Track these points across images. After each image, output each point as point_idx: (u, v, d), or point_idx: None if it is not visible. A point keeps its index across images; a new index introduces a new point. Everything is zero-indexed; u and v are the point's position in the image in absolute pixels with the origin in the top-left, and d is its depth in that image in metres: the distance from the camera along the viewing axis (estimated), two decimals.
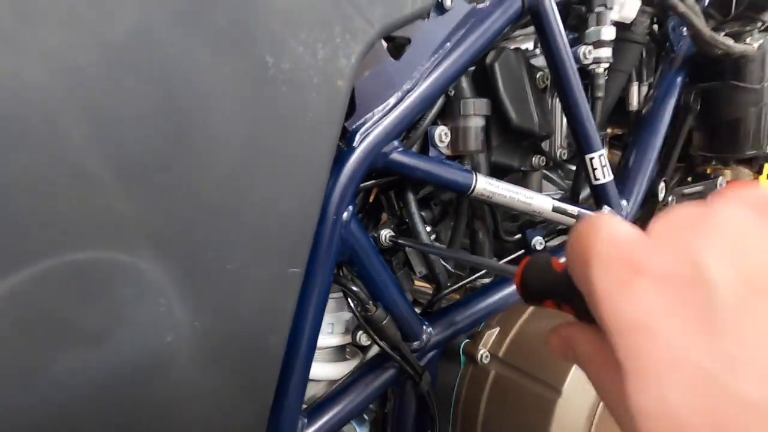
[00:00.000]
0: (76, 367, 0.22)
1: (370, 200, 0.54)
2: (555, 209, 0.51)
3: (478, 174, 0.48)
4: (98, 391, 0.23)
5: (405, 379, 0.49)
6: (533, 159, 0.61)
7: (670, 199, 0.73)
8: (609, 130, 0.84)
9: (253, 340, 0.30)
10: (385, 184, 0.50)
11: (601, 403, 0.46)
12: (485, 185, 0.47)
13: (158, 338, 0.25)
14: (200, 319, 0.27)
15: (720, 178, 0.76)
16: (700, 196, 0.76)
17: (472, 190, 0.47)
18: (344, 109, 0.33)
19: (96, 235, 0.23)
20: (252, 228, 0.29)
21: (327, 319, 0.50)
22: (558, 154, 0.64)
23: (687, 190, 0.76)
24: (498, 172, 0.56)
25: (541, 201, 0.50)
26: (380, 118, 0.42)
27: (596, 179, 0.54)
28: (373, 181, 0.48)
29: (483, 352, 0.52)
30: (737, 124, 0.66)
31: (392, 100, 0.43)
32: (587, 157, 0.54)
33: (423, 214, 0.53)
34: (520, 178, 0.63)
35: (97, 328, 0.23)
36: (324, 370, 0.50)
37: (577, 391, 0.45)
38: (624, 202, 0.57)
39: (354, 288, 0.44)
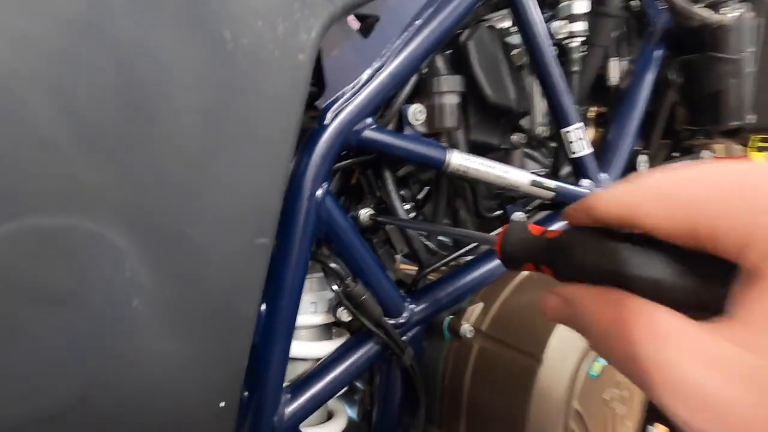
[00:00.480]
0: (42, 329, 0.23)
1: (353, 181, 0.55)
2: (532, 183, 0.52)
3: (453, 150, 0.48)
4: (63, 353, 0.24)
5: (389, 354, 0.50)
6: (513, 137, 0.62)
7: None
8: (593, 109, 0.85)
9: (222, 309, 0.31)
10: (364, 164, 0.51)
11: (581, 369, 0.47)
12: (460, 160, 0.48)
13: (124, 302, 0.25)
14: (166, 285, 0.28)
15: (703, 151, 0.76)
16: None
17: (447, 166, 0.47)
18: (307, 82, 0.34)
19: (61, 203, 0.24)
20: (215, 198, 0.30)
21: (309, 298, 0.51)
22: (538, 131, 0.64)
23: (672, 165, 0.76)
24: (478, 150, 0.57)
25: (517, 175, 0.51)
26: (351, 96, 0.43)
27: (573, 152, 0.54)
28: (349, 160, 0.48)
29: (467, 327, 0.53)
30: (718, 96, 0.66)
31: (363, 78, 0.43)
32: (563, 130, 0.54)
33: (403, 192, 0.54)
34: (502, 157, 0.63)
35: (62, 291, 0.23)
36: (309, 349, 0.51)
37: (556, 358, 0.46)
38: (604, 176, 0.58)
39: (332, 264, 0.45)
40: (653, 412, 0.67)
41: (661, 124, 0.69)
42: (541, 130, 0.65)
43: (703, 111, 0.70)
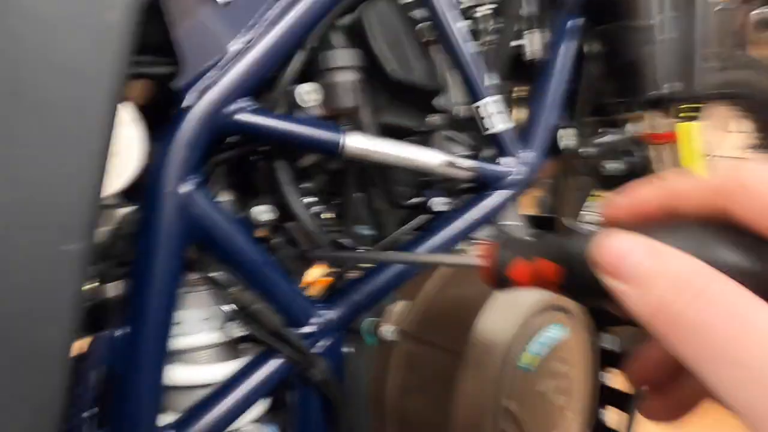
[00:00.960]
0: None
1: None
2: (446, 164, 0.47)
3: (350, 132, 0.43)
4: None
5: (299, 369, 0.44)
6: (431, 118, 0.57)
7: (583, 150, 0.71)
8: (523, 89, 0.82)
9: (20, 330, 0.24)
10: (256, 154, 0.44)
11: (508, 362, 0.42)
12: (356, 142, 0.43)
13: None
14: None
15: (627, 125, 0.75)
16: (613, 146, 0.75)
17: (342, 149, 0.42)
18: (122, 50, 0.27)
19: None
20: None
21: (199, 314, 0.44)
22: (456, 111, 0.60)
23: (600, 140, 0.74)
24: (393, 135, 0.52)
25: (427, 156, 0.46)
26: (217, 75, 0.37)
27: (487, 128, 0.50)
28: (232, 151, 0.42)
29: (387, 328, 0.48)
30: (635, 66, 0.65)
31: (229, 53, 0.37)
32: (475, 105, 0.50)
33: (308, 185, 0.48)
34: (422, 141, 0.59)
35: None
36: (206, 374, 0.44)
37: (479, 352, 0.41)
38: (525, 153, 0.54)
39: (212, 273, 0.38)
40: (605, 395, 0.64)
41: (583, 97, 0.67)
42: (459, 110, 0.60)
43: (624, 82, 0.68)
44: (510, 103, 0.66)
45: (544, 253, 0.24)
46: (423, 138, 0.59)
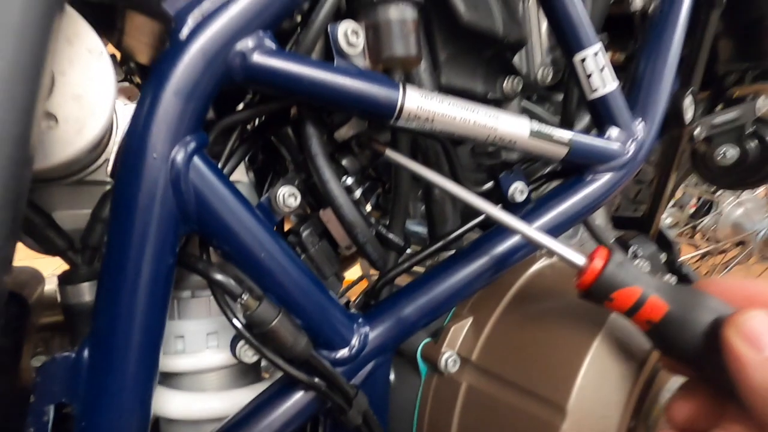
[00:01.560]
0: None
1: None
2: (534, 134, 0.34)
3: (410, 86, 0.31)
4: None
5: (332, 406, 0.32)
6: (504, 82, 0.44)
7: (697, 131, 0.55)
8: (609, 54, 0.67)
9: None
10: (276, 117, 0.34)
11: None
12: (420, 101, 0.31)
13: None
14: None
15: (761, 98, 0.58)
16: (735, 123, 0.59)
17: (400, 111, 0.30)
18: None
19: None
20: None
21: (206, 326, 0.33)
22: (539, 74, 0.47)
23: (718, 119, 0.59)
24: None
25: (511, 123, 0.33)
26: None
27: (593, 90, 0.37)
28: (248, 111, 0.31)
29: (449, 356, 0.36)
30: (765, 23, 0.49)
31: None
32: (577, 58, 0.37)
33: (345, 162, 0.36)
34: None
35: None
36: (214, 405, 0.34)
37: (587, 408, 0.28)
38: (639, 123, 0.40)
39: (217, 275, 0.28)
40: None
41: (702, 58, 0.51)
42: (544, 73, 0.47)
43: (757, 41, 0.53)
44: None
45: (662, 292, 0.27)
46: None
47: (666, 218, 1.41)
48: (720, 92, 0.62)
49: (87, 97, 0.22)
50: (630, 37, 0.57)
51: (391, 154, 0.34)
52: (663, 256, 0.65)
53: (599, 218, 0.63)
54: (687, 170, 0.81)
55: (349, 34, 0.31)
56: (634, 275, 0.28)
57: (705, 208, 1.46)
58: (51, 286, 0.41)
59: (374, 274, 0.63)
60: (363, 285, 0.68)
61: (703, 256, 1.49)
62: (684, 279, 0.70)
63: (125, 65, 0.58)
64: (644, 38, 0.47)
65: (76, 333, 0.27)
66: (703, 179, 0.70)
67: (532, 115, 0.53)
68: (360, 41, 0.32)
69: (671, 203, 1.41)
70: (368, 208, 0.39)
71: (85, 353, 0.25)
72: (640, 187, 1.06)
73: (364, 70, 0.31)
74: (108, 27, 0.31)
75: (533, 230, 0.31)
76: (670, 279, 0.55)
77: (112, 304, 0.25)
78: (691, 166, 0.69)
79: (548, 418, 0.28)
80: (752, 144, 0.60)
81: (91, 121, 0.23)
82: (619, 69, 0.69)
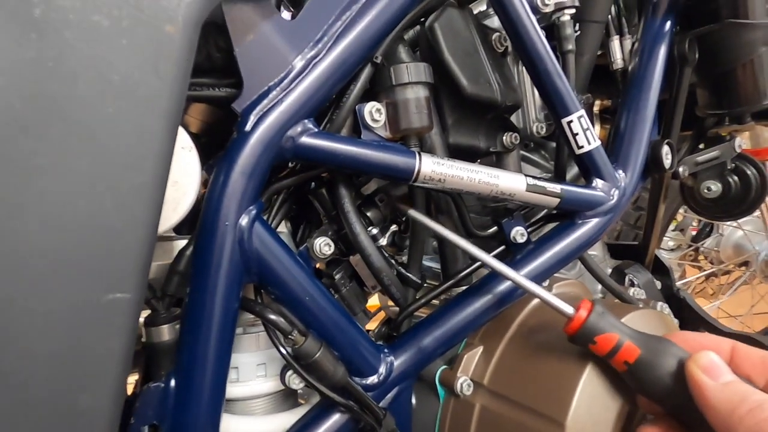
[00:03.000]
0: None
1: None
2: (531, 188, 0.41)
3: (424, 154, 0.38)
4: None
5: (362, 427, 0.38)
6: (504, 137, 0.51)
7: (681, 169, 0.61)
8: (596, 103, 0.74)
9: (49, 400, 0.20)
10: (315, 181, 0.40)
11: None
12: (433, 166, 0.37)
13: None
14: None
15: (737, 139, 0.64)
16: (717, 162, 0.65)
17: (417, 174, 0.37)
18: (182, 66, 0.24)
19: None
20: (30, 239, 0.20)
21: (256, 358, 0.39)
22: (533, 129, 0.54)
23: (701, 158, 0.65)
24: (463, 157, 0.46)
25: (510, 180, 0.40)
26: (280, 95, 0.33)
27: (579, 147, 0.43)
28: (292, 178, 0.38)
29: (463, 381, 0.41)
30: (745, 70, 0.55)
31: (294, 71, 0.34)
32: (564, 121, 0.43)
33: (370, 214, 0.43)
34: (494, 164, 0.53)
35: None
36: (260, 427, 0.39)
37: (582, 423, 0.34)
38: (620, 173, 0.47)
39: (271, 315, 0.34)
40: None
41: (680, 110, 0.58)
42: (538, 127, 0.54)
43: (729, 90, 0.59)
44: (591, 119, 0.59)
45: (635, 339, 0.33)
46: (496, 160, 0.53)
47: (668, 242, 1.45)
48: (701, 132, 0.68)
49: (181, 183, 0.29)
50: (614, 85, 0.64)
51: (413, 213, 0.41)
52: (659, 284, 0.70)
53: (596, 249, 0.68)
54: (679, 201, 0.86)
55: (374, 112, 0.38)
56: (612, 324, 0.33)
57: (706, 230, 1.50)
58: None
59: (391, 305, 0.68)
60: (381, 316, 0.73)
61: (708, 277, 1.52)
62: (681, 303, 0.74)
63: None
64: (624, 94, 0.54)
65: (158, 366, 0.33)
66: (693, 211, 0.75)
67: (531, 162, 0.60)
68: (382, 117, 0.39)
69: (672, 227, 1.45)
70: (383, 242, 0.45)
71: (172, 383, 0.31)
72: (640, 213, 1.11)
73: (386, 143, 0.38)
74: None
75: (527, 281, 0.37)
76: (663, 307, 0.60)
77: (193, 342, 0.31)
78: (683, 200, 0.74)
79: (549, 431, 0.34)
80: (734, 179, 0.65)
81: (183, 200, 0.29)
82: (609, 113, 0.76)
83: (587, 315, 0.33)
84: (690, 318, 0.73)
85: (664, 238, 1.48)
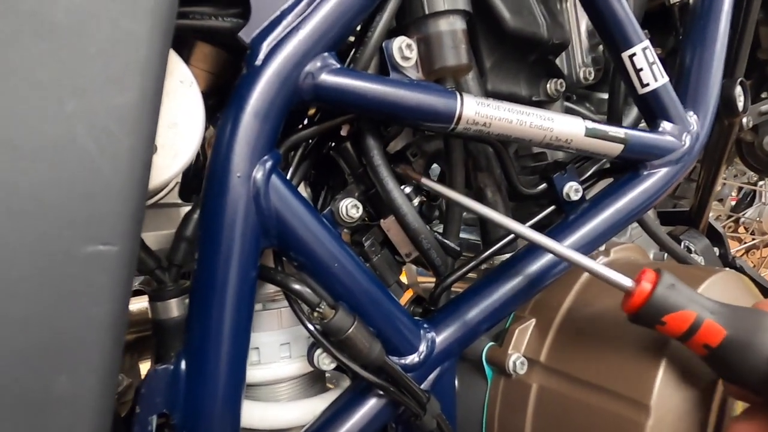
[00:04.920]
0: None
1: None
2: (589, 133, 0.35)
3: (462, 93, 0.32)
4: None
5: (406, 413, 0.33)
6: (547, 84, 0.45)
7: (745, 120, 0.54)
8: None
9: (13, 386, 0.15)
10: (335, 134, 0.35)
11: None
12: (477, 107, 0.31)
13: None
14: None
15: None
16: None
17: (459, 118, 0.31)
18: None
19: None
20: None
21: (279, 337, 0.35)
22: (580, 75, 0.47)
23: (765, 107, 0.57)
24: None
25: (566, 123, 0.34)
26: (295, 21, 0.28)
27: (644, 85, 0.37)
28: (313, 128, 0.33)
29: (516, 358, 0.36)
30: None
31: None
32: (625, 55, 0.37)
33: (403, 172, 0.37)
34: None
35: None
36: (287, 415, 0.34)
37: (668, 406, 0.28)
38: (691, 115, 0.40)
39: (296, 285, 0.29)
40: None
41: (746, 47, 0.51)
42: (585, 73, 0.47)
43: None
44: None
45: (719, 316, 0.26)
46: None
47: None
48: (764, 79, 0.60)
49: (181, 125, 0.24)
50: (664, 32, 0.57)
51: (426, 182, 0.35)
52: (715, 250, 0.64)
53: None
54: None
55: (404, 49, 0.33)
56: (688, 297, 0.26)
57: (747, 199, 1.40)
58: None
59: (422, 281, 0.63)
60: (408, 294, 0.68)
61: (748, 250, 1.43)
62: (740, 272, 0.68)
63: None
64: (687, 30, 0.46)
65: (167, 347, 0.28)
66: (751, 169, 0.68)
67: (577, 115, 0.53)
68: (414, 54, 0.33)
69: None
70: (417, 201, 0.40)
71: (182, 365, 0.26)
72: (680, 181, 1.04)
73: (421, 82, 0.32)
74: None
75: (574, 252, 0.30)
76: None
77: (205, 317, 0.26)
78: (739, 157, 0.67)
79: (631, 415, 0.28)
80: None
81: (184, 146, 0.24)
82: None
83: (652, 288, 0.26)
84: None
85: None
